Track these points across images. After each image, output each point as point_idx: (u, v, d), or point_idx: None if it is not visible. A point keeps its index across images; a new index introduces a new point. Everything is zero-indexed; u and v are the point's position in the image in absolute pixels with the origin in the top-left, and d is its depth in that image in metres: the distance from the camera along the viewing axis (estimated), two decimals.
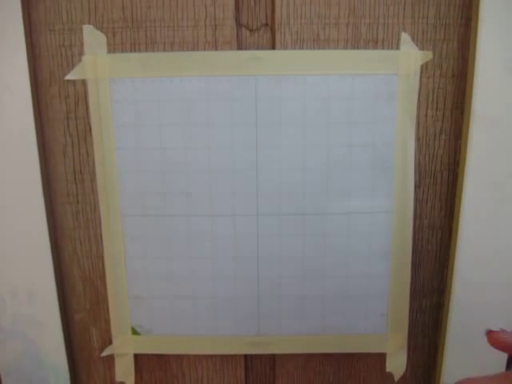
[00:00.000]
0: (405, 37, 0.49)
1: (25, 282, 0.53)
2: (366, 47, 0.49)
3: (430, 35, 0.49)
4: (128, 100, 0.50)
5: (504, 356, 0.54)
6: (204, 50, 0.49)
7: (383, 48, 0.49)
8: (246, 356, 0.58)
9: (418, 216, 0.53)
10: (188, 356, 0.58)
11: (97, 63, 0.49)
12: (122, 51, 0.49)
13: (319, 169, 0.51)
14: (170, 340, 0.56)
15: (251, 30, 0.49)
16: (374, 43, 0.49)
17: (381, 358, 0.57)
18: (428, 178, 0.52)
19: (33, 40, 0.49)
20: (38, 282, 0.53)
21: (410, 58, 0.49)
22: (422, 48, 0.49)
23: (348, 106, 0.50)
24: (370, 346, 0.56)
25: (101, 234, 0.53)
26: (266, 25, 0.49)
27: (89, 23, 0.48)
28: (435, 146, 0.52)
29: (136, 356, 0.57)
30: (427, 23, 0.48)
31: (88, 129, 0.51)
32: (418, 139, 0.51)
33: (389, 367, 0.57)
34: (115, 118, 0.50)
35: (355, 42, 0.49)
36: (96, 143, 0.51)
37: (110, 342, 0.56)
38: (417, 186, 0.52)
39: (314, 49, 0.49)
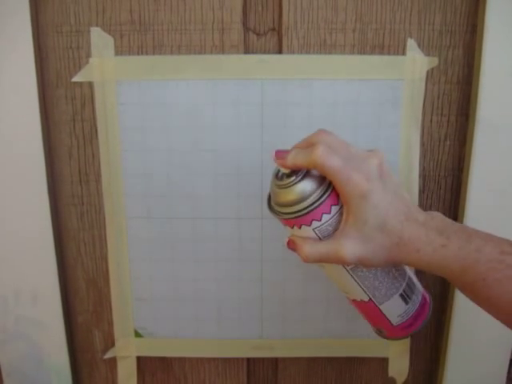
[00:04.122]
0: (411, 43, 0.49)
1: (28, 283, 0.53)
2: (372, 52, 0.49)
3: (436, 41, 0.49)
4: (134, 102, 0.50)
5: (505, 361, 0.55)
6: (211, 53, 0.49)
7: (389, 53, 0.49)
8: (248, 360, 0.58)
9: None
10: (190, 359, 0.58)
11: (104, 65, 0.49)
12: (130, 54, 0.49)
13: None
14: (172, 343, 0.56)
15: (258, 34, 0.50)
16: (381, 49, 0.49)
17: (383, 362, 0.57)
18: (432, 183, 0.53)
19: (40, 42, 0.49)
20: (41, 284, 0.53)
21: (415, 63, 0.49)
22: (427, 54, 0.49)
23: (353, 110, 0.50)
24: (373, 350, 0.56)
25: (105, 236, 0.53)
26: (273, 29, 0.49)
27: (96, 25, 0.49)
28: (440, 152, 0.52)
29: (138, 358, 0.57)
30: (433, 29, 0.49)
31: (94, 131, 0.51)
32: (422, 145, 0.51)
33: (391, 372, 0.57)
34: (121, 121, 0.50)
35: (362, 48, 0.49)
36: (102, 145, 0.51)
37: (113, 344, 0.56)
38: (421, 192, 0.52)
39: (320, 53, 0.49)
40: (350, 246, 0.37)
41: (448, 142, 0.52)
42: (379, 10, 0.48)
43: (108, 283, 0.54)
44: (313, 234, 0.38)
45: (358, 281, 0.40)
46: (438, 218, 0.38)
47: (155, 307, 0.55)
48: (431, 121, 0.51)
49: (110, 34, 0.49)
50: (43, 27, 0.49)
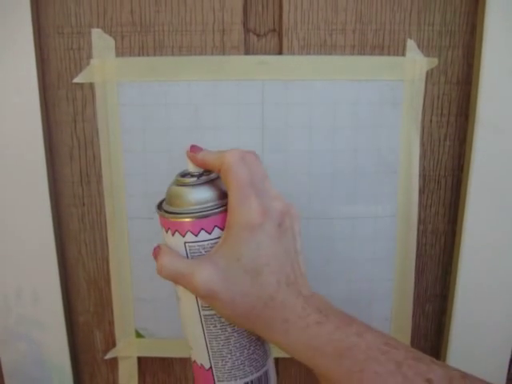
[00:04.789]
0: (411, 43, 0.49)
1: (29, 283, 0.53)
2: (372, 53, 0.49)
3: (436, 42, 0.49)
4: (135, 103, 0.50)
5: (505, 361, 0.55)
6: (212, 54, 0.49)
7: (389, 54, 0.49)
8: None
9: (421, 221, 0.53)
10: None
11: (105, 67, 0.49)
12: (130, 55, 0.49)
13: (324, 173, 0.51)
14: (173, 343, 0.56)
15: (259, 35, 0.50)
16: (380, 49, 0.49)
17: None
18: (432, 183, 0.53)
19: (41, 43, 0.49)
20: (42, 284, 0.53)
21: (415, 64, 0.49)
22: (427, 54, 0.49)
23: (354, 111, 0.50)
24: None
25: (106, 237, 0.53)
26: (274, 30, 0.50)
27: (97, 27, 0.49)
28: (439, 152, 0.52)
29: (139, 359, 0.57)
30: (433, 30, 0.49)
31: (95, 131, 0.51)
32: (422, 145, 0.51)
33: None
34: (122, 121, 0.50)
35: (361, 48, 0.49)
36: (103, 146, 0.51)
37: (114, 345, 0.56)
38: (421, 192, 0.53)
39: (320, 54, 0.49)
40: (208, 274, 0.31)
41: (448, 142, 0.52)
42: (379, 10, 0.48)
43: (109, 283, 0.54)
44: (182, 249, 0.34)
45: (206, 334, 0.35)
46: (321, 298, 0.34)
47: (156, 307, 0.55)
48: (431, 121, 0.51)
49: (110, 35, 0.49)
50: (44, 28, 0.49)
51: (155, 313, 0.55)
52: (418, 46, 0.49)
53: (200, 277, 0.31)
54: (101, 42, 0.49)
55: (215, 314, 0.34)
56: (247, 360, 0.35)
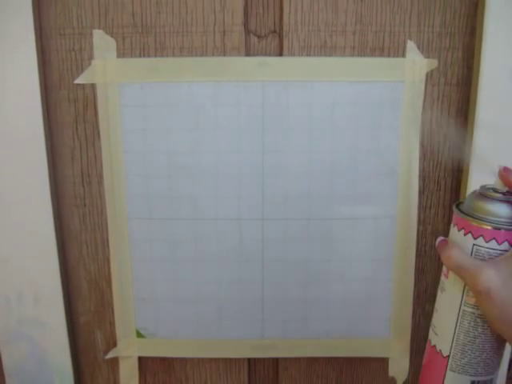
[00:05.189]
0: (410, 45, 0.49)
1: (31, 283, 0.53)
2: (372, 55, 0.50)
3: (436, 43, 0.49)
4: (136, 104, 0.50)
5: (505, 361, 0.55)
6: (212, 55, 0.50)
7: (389, 56, 0.50)
8: (249, 359, 0.58)
9: (421, 222, 0.54)
10: (192, 359, 0.58)
11: (106, 68, 0.49)
12: (132, 56, 0.50)
13: (324, 174, 0.51)
14: (174, 343, 0.56)
15: (259, 37, 0.50)
16: (380, 51, 0.50)
17: (383, 362, 0.57)
18: (432, 184, 0.53)
19: (43, 44, 0.50)
20: (44, 284, 0.53)
21: (415, 65, 0.49)
22: (427, 56, 0.50)
23: (354, 112, 0.50)
24: (374, 350, 0.56)
25: (107, 237, 0.53)
26: (274, 31, 0.50)
27: (99, 28, 0.49)
28: (439, 153, 0.52)
29: (140, 359, 0.57)
30: (433, 32, 0.49)
31: (96, 132, 0.51)
32: (422, 146, 0.52)
33: (391, 372, 0.57)
34: (123, 122, 0.50)
35: (362, 50, 0.50)
36: (104, 147, 0.51)
37: (115, 345, 0.56)
38: (421, 192, 0.53)
39: (320, 56, 0.50)
40: (491, 274, 0.35)
41: (447, 143, 0.52)
42: (379, 12, 0.49)
43: (110, 284, 0.55)
44: (469, 248, 0.38)
45: (457, 327, 0.39)
46: None
47: (157, 308, 0.55)
48: (431, 122, 0.51)
49: (112, 36, 0.49)
50: (46, 30, 0.49)
51: (155, 313, 0.55)
52: (418, 48, 0.49)
53: (484, 274, 0.35)
54: (102, 43, 0.49)
55: (473, 313, 0.38)
56: (482, 362, 0.39)
